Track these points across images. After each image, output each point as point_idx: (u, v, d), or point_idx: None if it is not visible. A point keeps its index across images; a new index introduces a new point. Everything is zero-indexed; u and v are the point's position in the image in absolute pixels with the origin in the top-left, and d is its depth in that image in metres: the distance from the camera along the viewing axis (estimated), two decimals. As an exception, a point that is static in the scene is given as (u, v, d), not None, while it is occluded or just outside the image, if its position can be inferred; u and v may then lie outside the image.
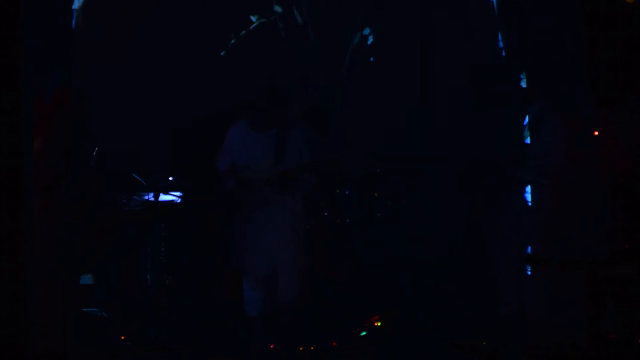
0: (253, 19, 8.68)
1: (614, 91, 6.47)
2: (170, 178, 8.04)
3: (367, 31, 8.69)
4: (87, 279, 7.39)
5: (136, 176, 7.73)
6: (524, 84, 7.42)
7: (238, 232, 7.35)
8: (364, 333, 7.44)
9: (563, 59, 7.27)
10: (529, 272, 7.15)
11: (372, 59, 8.65)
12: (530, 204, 7.27)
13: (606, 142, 6.97)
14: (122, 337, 7.25)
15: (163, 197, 7.79)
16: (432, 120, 8.30)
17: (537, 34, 7.58)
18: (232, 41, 8.63)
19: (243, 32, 8.63)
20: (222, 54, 8.60)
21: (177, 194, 7.92)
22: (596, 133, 7.01)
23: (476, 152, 7.50)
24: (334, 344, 7.14)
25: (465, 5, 8.35)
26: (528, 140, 7.30)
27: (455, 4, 8.43)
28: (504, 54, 8.02)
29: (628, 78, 6.41)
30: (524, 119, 7.32)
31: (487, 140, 7.41)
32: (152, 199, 7.75)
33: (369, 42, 8.62)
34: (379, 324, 7.54)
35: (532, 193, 7.25)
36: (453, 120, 8.05)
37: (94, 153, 7.35)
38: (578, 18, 6.62)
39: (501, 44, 7.97)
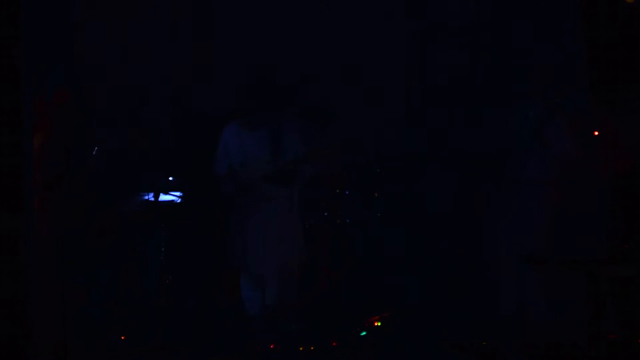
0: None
1: (614, 91, 6.47)
2: (170, 178, 8.04)
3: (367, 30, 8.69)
4: (87, 278, 7.39)
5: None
6: (524, 84, 7.42)
7: (237, 232, 7.43)
8: (364, 333, 7.43)
9: (563, 59, 7.27)
10: (529, 272, 7.15)
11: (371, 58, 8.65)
12: (530, 203, 7.26)
13: (606, 142, 6.97)
14: (122, 337, 7.24)
15: (163, 197, 7.79)
16: (432, 120, 8.29)
17: (537, 33, 7.58)
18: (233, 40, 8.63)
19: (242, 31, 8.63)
20: (222, 53, 8.59)
21: (177, 194, 7.92)
22: (596, 133, 7.01)
23: (476, 152, 7.50)
24: (334, 344, 7.14)
25: (465, 4, 8.35)
26: (529, 140, 7.29)
27: (455, 2, 8.43)
28: (504, 53, 8.02)
29: (628, 78, 6.40)
30: (525, 118, 7.32)
31: (487, 140, 7.41)
32: (152, 199, 7.75)
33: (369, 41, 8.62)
34: (379, 324, 7.53)
35: (532, 193, 7.24)
36: (453, 120, 8.05)
37: (94, 153, 7.35)
38: (578, 18, 6.62)
39: (501, 43, 7.97)
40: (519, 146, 7.25)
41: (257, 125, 7.49)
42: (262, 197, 7.39)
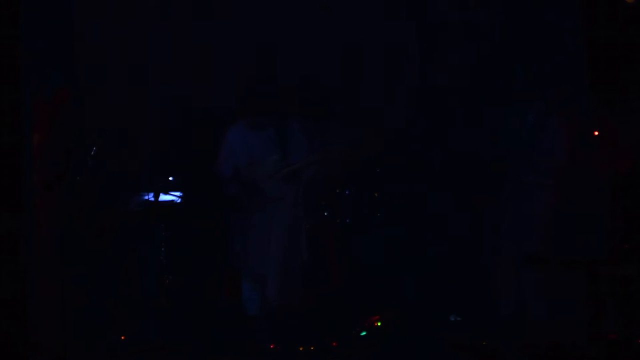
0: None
1: (614, 91, 6.46)
2: (170, 178, 8.05)
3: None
4: (87, 278, 7.39)
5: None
6: (524, 84, 7.42)
7: (240, 232, 7.45)
8: (364, 333, 7.43)
9: (563, 59, 7.27)
10: (529, 272, 7.15)
11: (371, 58, 8.65)
12: (530, 204, 7.26)
13: (606, 142, 6.97)
14: (122, 337, 7.24)
15: (163, 197, 7.79)
16: (432, 120, 8.29)
17: (537, 33, 7.58)
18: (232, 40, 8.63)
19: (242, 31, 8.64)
20: (222, 53, 8.60)
21: (177, 194, 7.92)
22: (596, 133, 7.01)
23: (476, 152, 7.50)
24: (334, 344, 7.14)
25: (465, 4, 8.36)
26: (529, 141, 7.29)
27: (455, 2, 8.43)
28: (504, 53, 8.02)
29: (628, 78, 6.40)
30: (525, 119, 7.32)
31: (487, 140, 7.41)
32: (152, 199, 7.76)
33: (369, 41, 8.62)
34: (379, 324, 7.53)
35: (532, 193, 7.24)
36: (453, 120, 8.05)
37: (92, 152, 7.36)
38: (578, 18, 6.62)
39: (501, 43, 7.97)
40: (519, 146, 7.25)
41: (263, 125, 7.52)
42: (267, 198, 7.42)
